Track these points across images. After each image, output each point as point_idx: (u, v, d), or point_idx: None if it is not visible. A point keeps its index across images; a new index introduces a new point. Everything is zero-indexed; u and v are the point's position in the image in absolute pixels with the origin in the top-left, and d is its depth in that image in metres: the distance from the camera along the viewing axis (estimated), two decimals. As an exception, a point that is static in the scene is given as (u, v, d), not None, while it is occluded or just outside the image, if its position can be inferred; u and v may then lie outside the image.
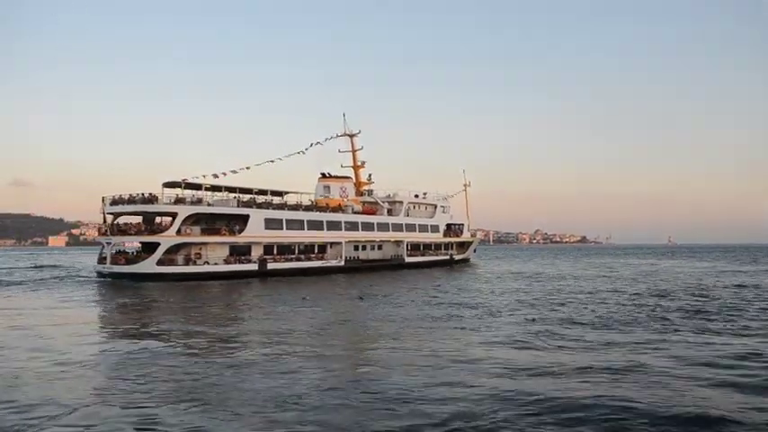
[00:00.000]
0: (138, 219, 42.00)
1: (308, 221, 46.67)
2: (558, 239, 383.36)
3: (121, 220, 41.62)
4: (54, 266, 59.21)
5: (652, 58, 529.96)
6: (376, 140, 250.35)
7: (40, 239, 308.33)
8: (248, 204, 43.58)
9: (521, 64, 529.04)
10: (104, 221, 40.19)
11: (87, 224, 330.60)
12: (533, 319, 18.76)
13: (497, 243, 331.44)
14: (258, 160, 61.01)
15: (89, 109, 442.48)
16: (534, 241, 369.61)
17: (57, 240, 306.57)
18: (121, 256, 39.54)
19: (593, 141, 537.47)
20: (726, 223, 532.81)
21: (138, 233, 39.75)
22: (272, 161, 48.95)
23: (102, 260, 40.18)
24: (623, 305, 23.15)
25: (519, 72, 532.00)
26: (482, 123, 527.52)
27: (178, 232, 38.70)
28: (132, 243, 41.90)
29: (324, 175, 54.42)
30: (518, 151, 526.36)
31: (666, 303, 23.54)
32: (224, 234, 41.08)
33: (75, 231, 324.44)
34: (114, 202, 40.29)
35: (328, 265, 47.58)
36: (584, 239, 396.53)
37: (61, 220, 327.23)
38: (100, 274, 39.91)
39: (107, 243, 39.61)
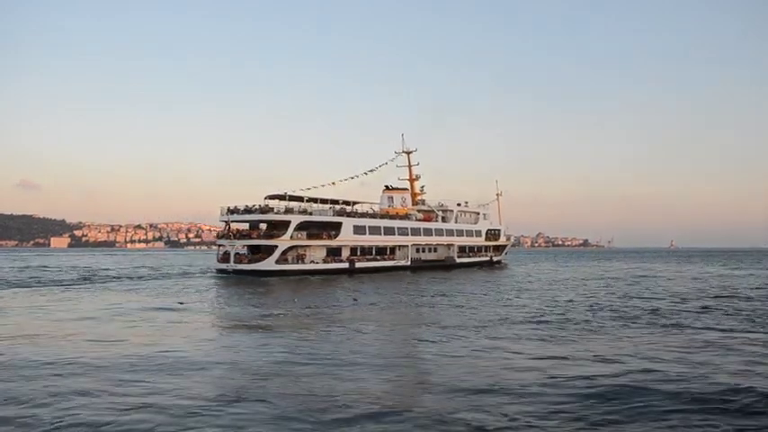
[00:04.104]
0: (244, 225, 50.47)
1: (384, 227, 55.53)
2: (560, 243, 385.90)
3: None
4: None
5: (655, 61, 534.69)
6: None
7: (42, 240, 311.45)
8: (340, 213, 52.23)
9: (521, 66, 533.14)
10: (228, 228, 48.35)
11: (89, 225, 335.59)
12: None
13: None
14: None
15: (93, 110, 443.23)
16: (536, 245, 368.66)
17: (59, 241, 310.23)
18: (244, 257, 47.90)
19: (594, 144, 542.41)
20: (727, 227, 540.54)
21: (258, 237, 48.14)
22: (352, 177, 57.78)
23: (223, 260, 48.39)
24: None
25: (519, 74, 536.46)
26: (482, 125, 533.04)
27: (291, 237, 47.23)
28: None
29: (387, 188, 63.95)
30: (519, 154, 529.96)
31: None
32: (324, 238, 49.68)
33: (77, 233, 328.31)
34: (231, 212, 48.63)
35: (398, 264, 56.44)
36: (585, 243, 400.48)
37: (63, 221, 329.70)
38: (222, 272, 47.77)
39: (230, 245, 47.72)
